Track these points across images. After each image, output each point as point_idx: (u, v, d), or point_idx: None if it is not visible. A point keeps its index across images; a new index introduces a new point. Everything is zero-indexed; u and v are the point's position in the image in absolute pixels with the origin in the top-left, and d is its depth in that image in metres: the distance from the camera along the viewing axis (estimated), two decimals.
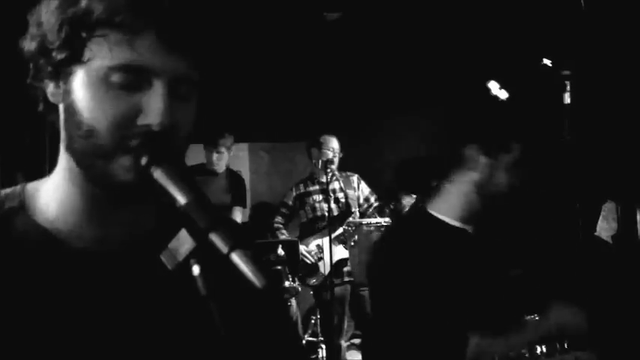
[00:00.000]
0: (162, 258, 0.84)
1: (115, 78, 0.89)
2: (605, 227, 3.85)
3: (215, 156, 5.05)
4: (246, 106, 6.08)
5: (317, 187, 5.05)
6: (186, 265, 0.83)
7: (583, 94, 3.23)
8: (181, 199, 0.84)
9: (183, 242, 0.83)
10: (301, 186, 5.11)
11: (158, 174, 0.87)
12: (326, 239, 4.73)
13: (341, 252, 4.86)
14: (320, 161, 4.90)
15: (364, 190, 5.13)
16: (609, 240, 3.73)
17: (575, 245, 3.08)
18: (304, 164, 7.24)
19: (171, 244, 0.84)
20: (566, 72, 3.24)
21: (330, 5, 4.42)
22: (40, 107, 1.00)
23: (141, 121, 0.89)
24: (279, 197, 5.42)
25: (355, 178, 5.14)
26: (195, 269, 0.82)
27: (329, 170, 4.86)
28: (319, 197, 5.01)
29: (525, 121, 2.14)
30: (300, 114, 6.35)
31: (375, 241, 2.28)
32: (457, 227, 2.09)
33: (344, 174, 5.11)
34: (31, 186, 1.03)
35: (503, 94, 4.63)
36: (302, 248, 4.87)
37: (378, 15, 4.54)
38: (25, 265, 0.95)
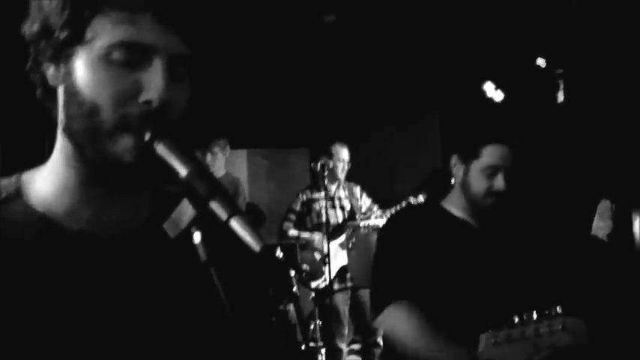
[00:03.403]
0: (165, 227, 0.86)
1: (116, 55, 0.91)
2: (601, 226, 3.88)
3: (209, 157, 5.07)
4: (244, 113, 6.12)
5: (323, 194, 5.12)
6: (187, 233, 0.85)
7: (576, 92, 3.28)
8: (183, 171, 0.87)
9: (185, 211, 0.86)
10: (307, 192, 5.16)
11: (160, 148, 0.89)
12: (331, 244, 4.77)
13: (345, 258, 4.90)
14: (334, 170, 5.02)
15: (366, 200, 5.22)
16: (605, 238, 3.76)
17: (570, 243, 3.11)
18: (302, 170, 7.29)
19: (174, 214, 0.87)
20: (560, 70, 3.29)
21: (326, 7, 4.47)
22: (39, 93, 1.02)
23: (142, 97, 0.92)
24: (277, 203, 5.46)
25: (358, 189, 5.24)
26: (197, 237, 0.85)
27: (337, 181, 5.01)
28: (325, 204, 5.07)
29: (498, 125, 2.25)
30: (298, 120, 6.39)
31: (381, 226, 2.45)
32: (461, 219, 2.24)
33: (347, 184, 5.20)
34: (26, 174, 1.05)
35: (499, 95, 4.68)
36: (317, 240, 4.91)
37: (373, 17, 4.59)
38: (23, 248, 0.96)
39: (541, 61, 3.34)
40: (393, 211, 4.75)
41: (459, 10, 4.40)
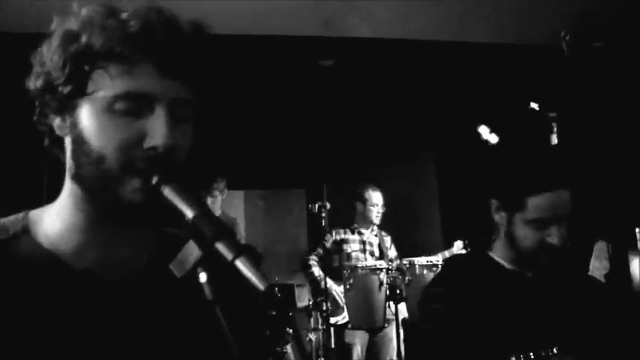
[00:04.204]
0: (172, 267, 0.89)
1: (119, 106, 0.95)
2: (597, 266, 3.89)
3: (209, 200, 5.14)
4: (241, 154, 6.17)
5: (356, 236, 5.16)
6: (193, 274, 0.87)
7: (569, 135, 3.34)
8: (189, 213, 0.89)
9: (191, 252, 0.88)
10: (341, 232, 5.17)
11: (167, 191, 0.92)
12: None
13: None
14: (364, 215, 5.10)
15: (393, 251, 5.26)
16: (602, 279, 3.77)
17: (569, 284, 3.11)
18: (299, 211, 7.31)
19: (180, 255, 0.89)
20: (553, 114, 3.35)
21: (323, 52, 4.56)
22: (46, 142, 1.06)
23: (147, 144, 0.95)
24: (274, 244, 5.48)
25: (389, 239, 5.29)
26: (203, 277, 0.87)
27: (373, 227, 5.12)
28: (357, 247, 5.11)
29: (546, 172, 1.95)
30: (295, 162, 6.44)
31: (434, 276, 2.22)
32: (512, 270, 2.00)
33: (379, 232, 5.25)
34: (33, 212, 1.08)
35: (493, 138, 4.73)
36: (335, 287, 4.91)
37: (370, 62, 4.68)
38: (30, 284, 0.99)
39: (534, 105, 3.40)
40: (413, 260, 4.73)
41: (453, 56, 4.50)
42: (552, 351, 1.43)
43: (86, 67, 0.95)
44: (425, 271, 4.52)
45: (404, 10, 4.06)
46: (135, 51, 0.95)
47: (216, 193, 5.18)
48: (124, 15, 0.96)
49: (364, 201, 5.12)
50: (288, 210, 7.29)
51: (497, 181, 2.03)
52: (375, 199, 5.13)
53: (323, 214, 4.96)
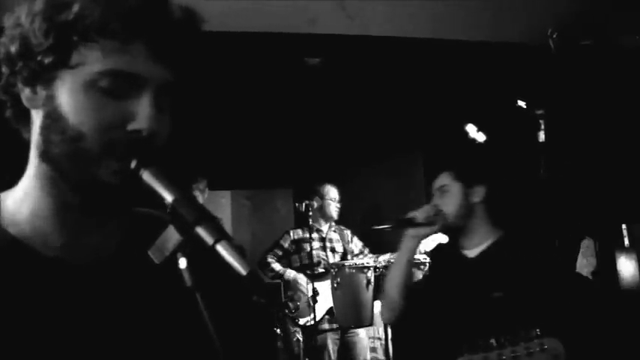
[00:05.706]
0: (150, 253, 0.85)
1: (104, 83, 0.90)
2: (584, 264, 3.90)
3: None
4: (227, 154, 6.13)
5: (315, 234, 5.13)
6: (172, 259, 0.84)
7: (557, 132, 3.33)
8: (168, 197, 0.86)
9: (171, 237, 0.85)
10: (299, 231, 5.15)
11: (146, 175, 0.89)
12: (323, 283, 4.74)
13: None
14: (322, 211, 5.13)
15: (357, 243, 5.25)
16: (589, 275, 3.78)
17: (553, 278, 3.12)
18: (286, 211, 7.27)
19: (159, 240, 0.85)
20: (540, 111, 3.35)
21: (310, 50, 4.54)
22: (9, 114, 0.99)
23: (131, 126, 0.91)
24: (261, 244, 5.44)
25: (349, 232, 5.28)
26: (182, 262, 0.84)
27: (331, 223, 5.15)
28: (317, 245, 5.08)
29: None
30: (282, 161, 6.41)
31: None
32: (458, 253, 2.48)
33: (337, 227, 5.26)
34: None
35: (480, 137, 4.73)
36: (303, 281, 4.87)
37: (357, 60, 4.66)
38: None
39: (522, 103, 3.39)
40: (388, 256, 4.70)
41: (441, 54, 4.49)
42: (536, 332, 1.44)
43: (74, 39, 0.90)
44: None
45: (392, 8, 4.04)
46: (129, 28, 0.90)
47: (197, 193, 5.14)
48: None
49: (322, 196, 5.16)
50: (276, 209, 7.26)
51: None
52: (333, 193, 5.19)
53: (310, 213, 4.94)
